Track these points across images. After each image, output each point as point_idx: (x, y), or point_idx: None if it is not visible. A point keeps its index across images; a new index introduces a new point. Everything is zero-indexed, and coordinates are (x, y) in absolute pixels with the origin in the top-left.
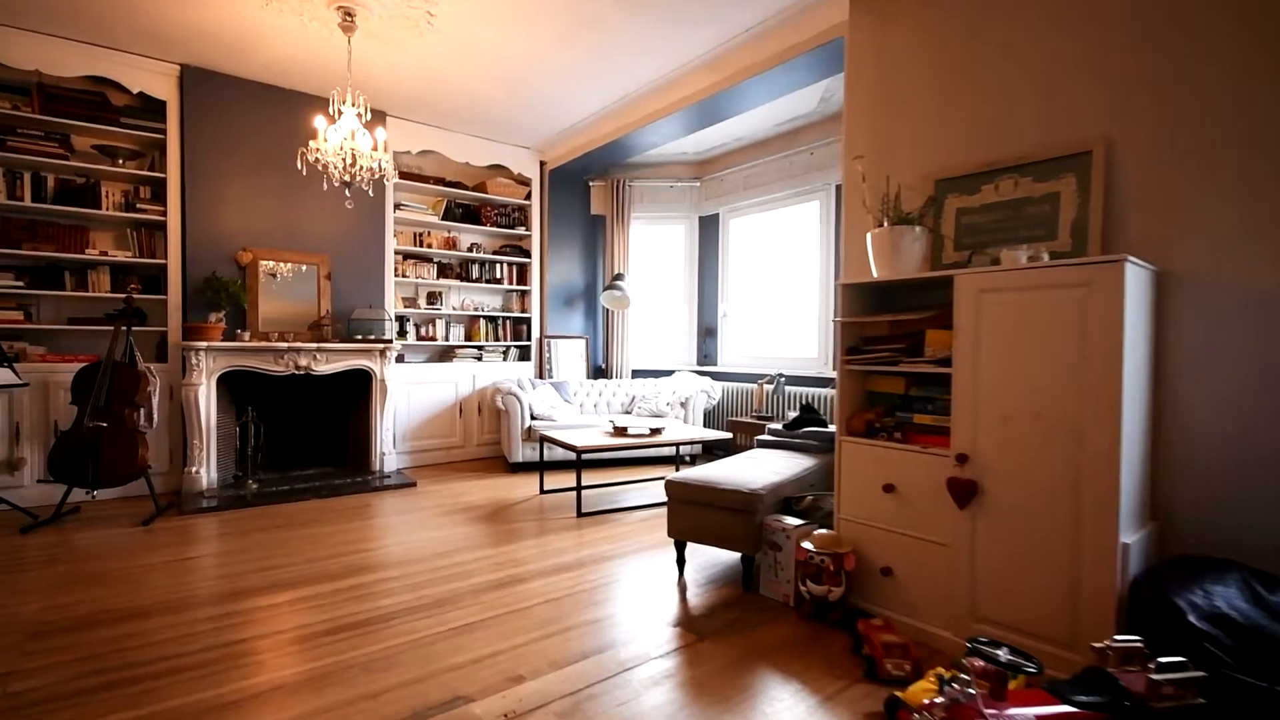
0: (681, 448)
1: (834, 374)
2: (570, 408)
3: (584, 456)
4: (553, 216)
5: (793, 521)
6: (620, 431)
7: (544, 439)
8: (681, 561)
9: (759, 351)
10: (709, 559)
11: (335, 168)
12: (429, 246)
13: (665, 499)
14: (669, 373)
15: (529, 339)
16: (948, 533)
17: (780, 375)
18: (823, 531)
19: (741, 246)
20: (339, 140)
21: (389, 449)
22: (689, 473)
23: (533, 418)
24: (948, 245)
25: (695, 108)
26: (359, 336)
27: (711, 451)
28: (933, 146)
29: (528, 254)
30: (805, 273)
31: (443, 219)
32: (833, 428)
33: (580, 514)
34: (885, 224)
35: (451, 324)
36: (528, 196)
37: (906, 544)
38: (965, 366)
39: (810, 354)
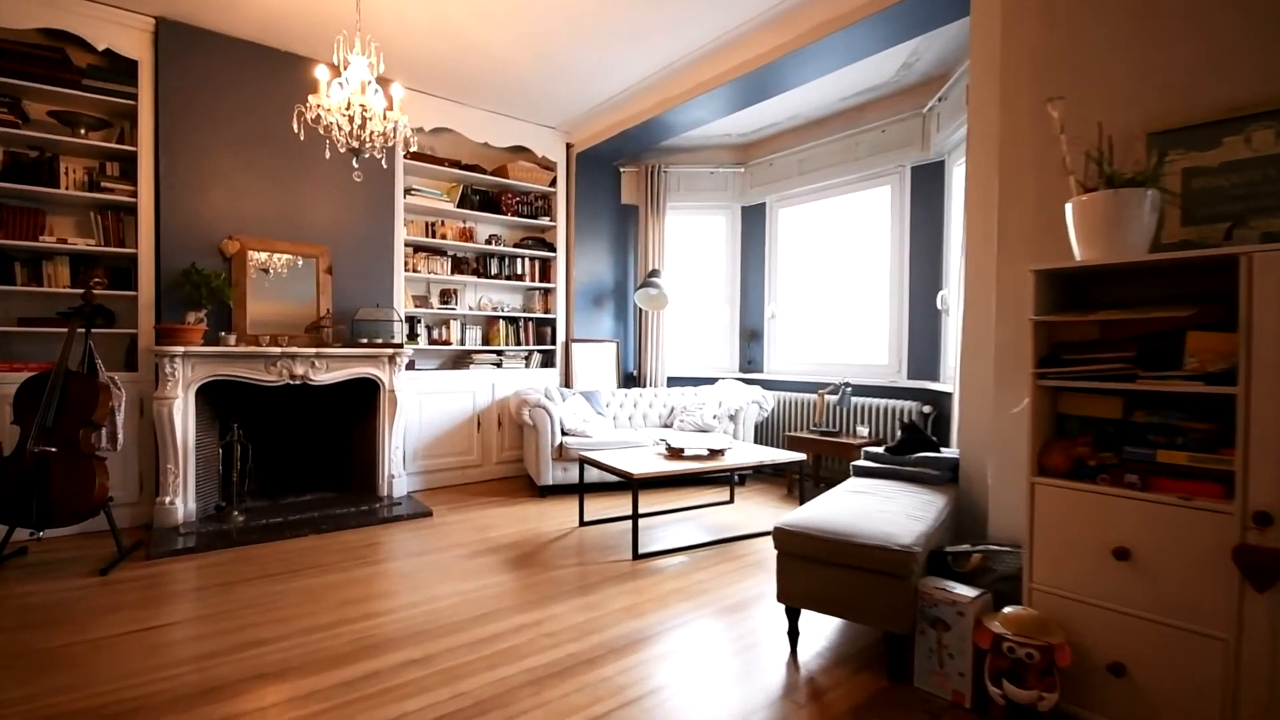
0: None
1: (910, 384)
2: (604, 421)
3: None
4: (580, 206)
5: (965, 591)
6: (676, 453)
7: (585, 461)
8: (795, 635)
9: (814, 357)
10: (829, 626)
11: (340, 129)
12: (442, 238)
13: (728, 534)
14: (708, 380)
15: (553, 343)
16: (1225, 622)
17: (846, 384)
18: (1016, 609)
19: (793, 239)
20: (345, 95)
21: (398, 470)
22: (802, 516)
23: (564, 433)
24: (1171, 218)
25: (749, 78)
26: (364, 340)
27: (781, 475)
28: (1141, 84)
29: (552, 247)
30: (872, 269)
31: (458, 206)
32: (951, 452)
33: (636, 555)
34: (1100, 188)
35: (468, 325)
36: (552, 183)
37: (1150, 632)
38: (1268, 385)
39: (879, 360)
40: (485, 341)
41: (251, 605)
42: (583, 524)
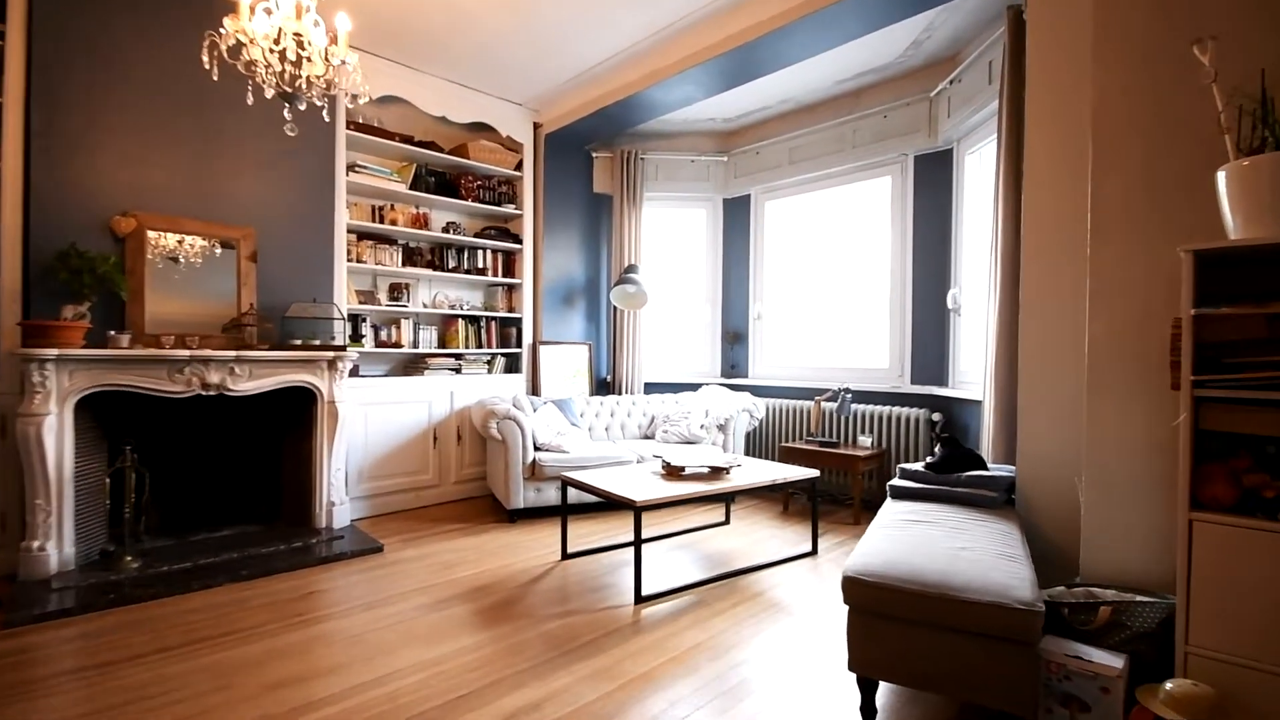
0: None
1: (915, 390)
2: (579, 433)
3: (612, 505)
4: (549, 193)
5: (1108, 659)
6: (675, 472)
7: (569, 483)
8: (872, 713)
9: (805, 361)
10: (907, 697)
11: (266, 69)
12: (392, 224)
13: (732, 563)
14: (690, 386)
15: (519, 345)
16: None
17: (846, 390)
18: (1184, 685)
19: (781, 234)
20: (275, 23)
21: (340, 496)
22: (876, 561)
23: (536, 448)
24: None
25: (740, 52)
26: (297, 342)
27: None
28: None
29: (518, 239)
30: (871, 266)
31: (411, 189)
32: (1003, 469)
33: (639, 598)
34: (1270, 149)
35: (421, 325)
36: (518, 166)
37: None
38: None
39: (879, 365)
40: (442, 344)
41: (138, 697)
42: (566, 556)
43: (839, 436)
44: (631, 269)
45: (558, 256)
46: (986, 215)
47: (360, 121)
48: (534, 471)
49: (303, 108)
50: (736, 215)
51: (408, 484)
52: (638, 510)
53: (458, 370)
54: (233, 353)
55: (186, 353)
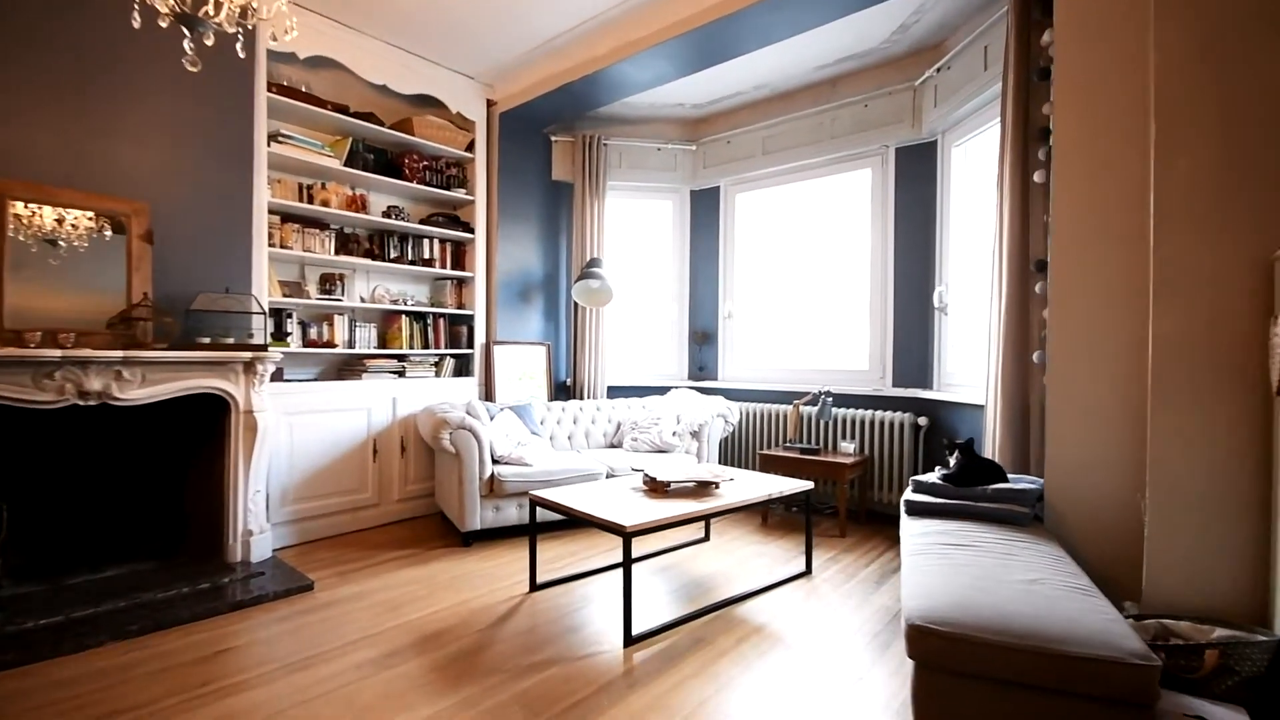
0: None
1: (897, 392)
2: (540, 443)
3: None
4: (504, 179)
5: (1230, 715)
6: (658, 488)
7: (539, 503)
8: None
9: (779, 363)
10: None
11: None
12: (324, 205)
13: (718, 588)
14: (656, 390)
15: (470, 346)
16: None
17: (826, 393)
18: None
19: (752, 229)
20: None
21: (259, 524)
22: (942, 604)
23: (494, 461)
24: None
25: (714, 29)
26: (206, 340)
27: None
28: None
29: (469, 228)
30: (850, 263)
31: (346, 165)
32: (1026, 480)
33: (630, 639)
34: None
35: (359, 323)
36: (469, 148)
37: None
38: None
39: (858, 366)
40: (382, 343)
41: None
42: (535, 587)
43: (819, 442)
44: (594, 263)
45: (513, 248)
46: (977, 210)
47: (286, 84)
48: (492, 488)
49: (209, 41)
50: (705, 208)
51: (343, 504)
52: (627, 537)
53: (401, 373)
54: (119, 353)
55: (58, 353)
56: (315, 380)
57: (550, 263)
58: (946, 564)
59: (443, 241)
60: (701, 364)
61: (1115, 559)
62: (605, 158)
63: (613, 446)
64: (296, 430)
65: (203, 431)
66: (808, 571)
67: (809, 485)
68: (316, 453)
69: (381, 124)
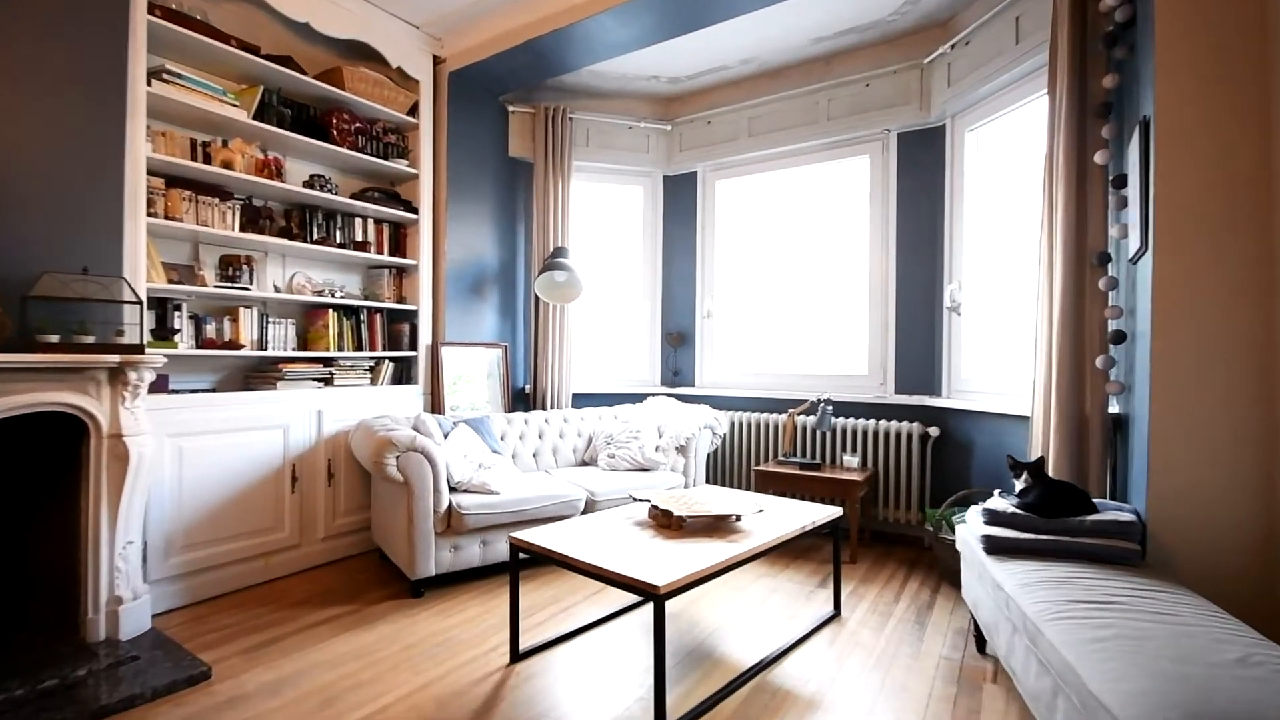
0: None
1: (900, 400)
2: (503, 462)
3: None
4: (455, 152)
5: None
6: (671, 523)
7: (521, 548)
8: None
9: (765, 367)
10: None
11: None
12: (226, 168)
13: (763, 657)
14: (627, 398)
15: (414, 348)
16: None
17: (825, 401)
18: None
19: (735, 219)
20: None
21: (134, 586)
22: (1154, 703)
23: (452, 488)
24: None
25: None
26: (53, 338)
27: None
28: None
29: (412, 208)
30: (846, 258)
31: (256, 119)
32: (1113, 508)
33: None
34: None
35: (273, 318)
36: (413, 111)
37: None
38: None
39: (857, 371)
40: (304, 344)
41: None
42: (518, 657)
43: (820, 456)
44: (560, 252)
45: (465, 233)
46: (999, 200)
47: (175, 8)
48: (450, 523)
49: None
50: (680, 195)
51: (252, 548)
52: (661, 601)
53: (327, 381)
54: None
55: None
56: (213, 391)
57: (507, 252)
58: (1111, 636)
59: (379, 222)
60: (676, 368)
61: (1243, 602)
62: (571, 134)
63: (584, 464)
64: (188, 457)
65: (52, 464)
66: (837, 613)
67: (838, 512)
68: (215, 485)
69: (303, 72)
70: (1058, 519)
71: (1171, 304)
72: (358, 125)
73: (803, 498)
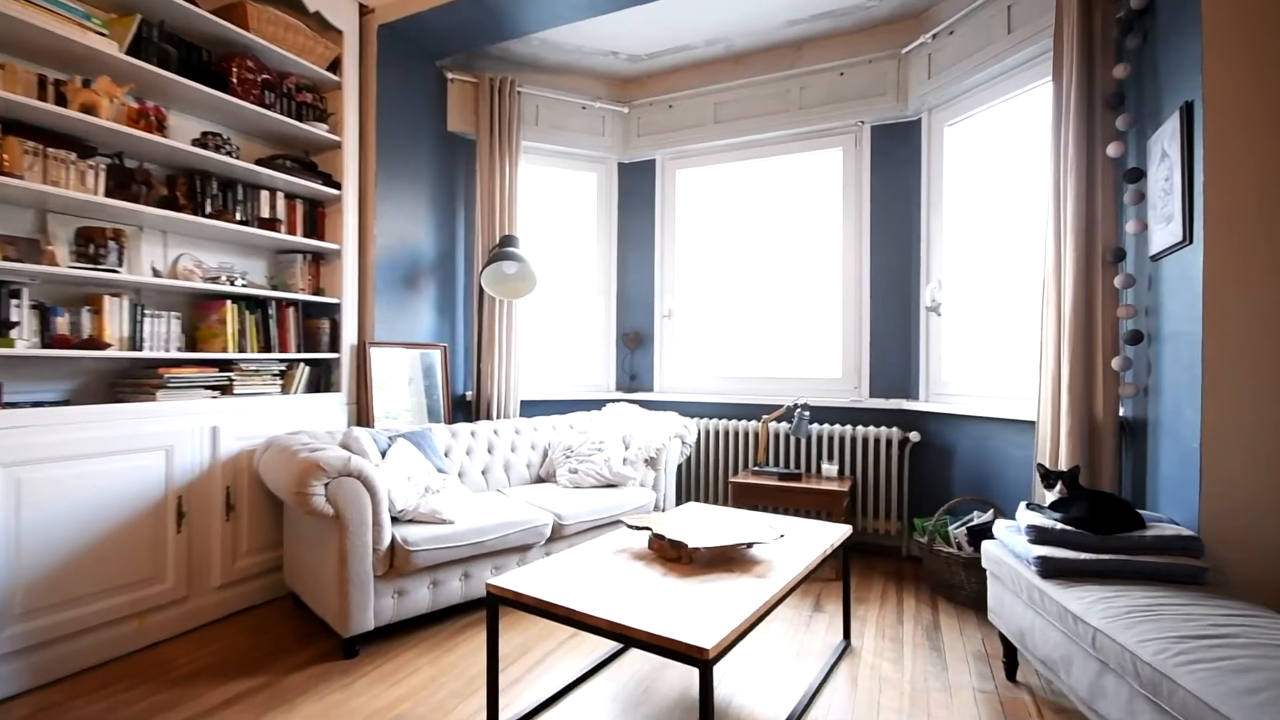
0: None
1: (876, 404)
2: (450, 482)
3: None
4: (385, 120)
5: None
6: (676, 555)
7: (504, 600)
8: None
9: (730, 370)
10: None
11: None
12: (87, 113)
13: (798, 711)
14: (583, 405)
15: (336, 348)
16: None
17: (802, 407)
18: None
19: (697, 212)
20: None
21: None
22: None
23: (394, 518)
24: None
25: None
26: None
27: None
28: None
29: (334, 182)
30: (818, 256)
31: (129, 54)
32: (1163, 522)
33: None
34: None
35: (150, 310)
36: (334, 67)
37: None
38: None
39: (830, 374)
40: (193, 344)
41: None
42: None
43: (796, 464)
44: (509, 241)
45: (398, 216)
46: (981, 198)
47: None
48: (394, 562)
49: None
50: (637, 185)
51: (122, 607)
52: (708, 667)
53: (225, 389)
54: None
55: None
56: (67, 404)
57: (445, 240)
58: (1262, 685)
59: (292, 197)
60: (634, 372)
61: None
62: (519, 109)
63: (540, 481)
64: (30, 493)
65: None
66: (847, 643)
67: (847, 530)
68: (69, 528)
69: (194, 3)
70: (1114, 535)
71: (1224, 301)
72: (265, 77)
73: (783, 511)
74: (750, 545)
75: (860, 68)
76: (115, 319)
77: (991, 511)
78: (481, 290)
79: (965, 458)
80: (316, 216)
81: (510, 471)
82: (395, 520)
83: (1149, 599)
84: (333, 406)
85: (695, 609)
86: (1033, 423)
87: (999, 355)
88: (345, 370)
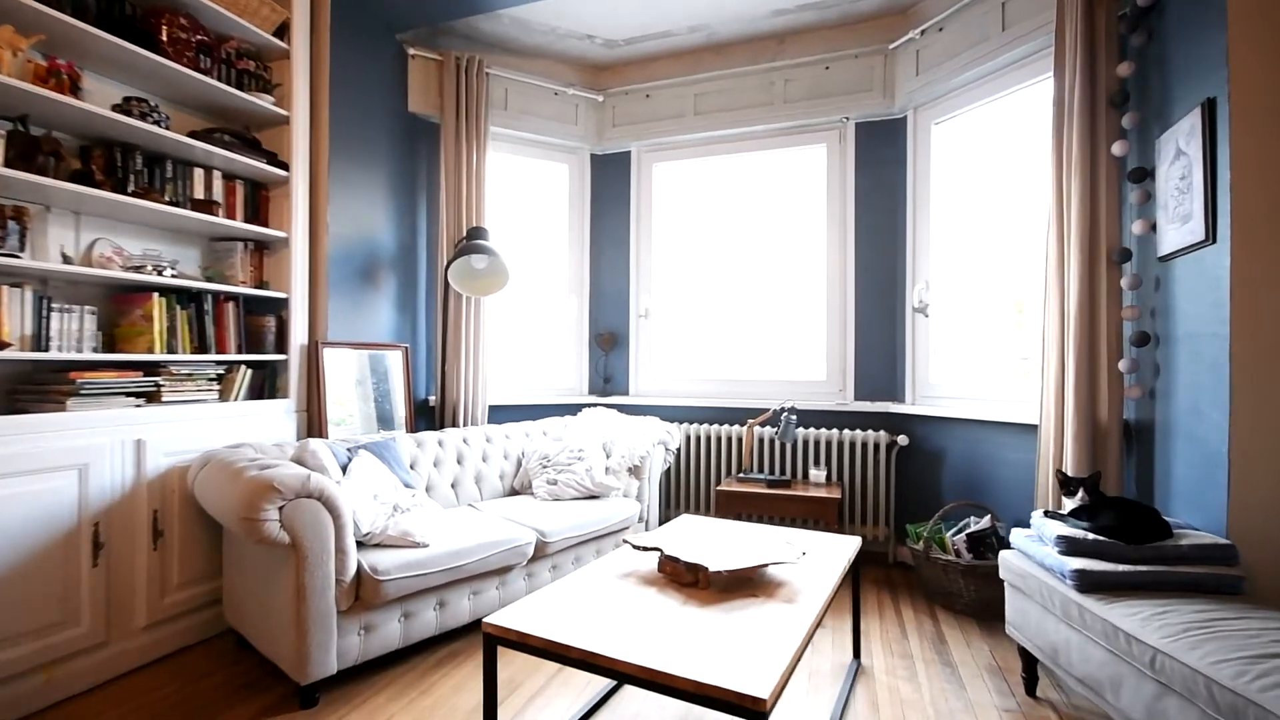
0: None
1: (861, 407)
2: (418, 498)
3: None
4: (339, 95)
5: None
6: (692, 578)
7: (506, 639)
8: None
9: (710, 372)
10: None
11: None
12: None
13: None
14: (556, 410)
15: (283, 348)
16: None
17: (789, 411)
18: None
19: (675, 208)
20: None
21: None
22: None
23: (359, 541)
24: None
25: None
26: None
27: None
28: None
29: (281, 162)
30: (802, 256)
31: (39, 1)
32: (1192, 531)
33: None
34: None
35: (58, 304)
36: (282, 33)
37: None
38: None
39: (814, 377)
40: (113, 343)
41: None
42: None
43: (783, 470)
44: (478, 233)
45: (354, 203)
46: (972, 198)
47: None
48: (360, 593)
49: None
50: (612, 178)
51: (25, 658)
52: (763, 719)
53: (152, 396)
54: None
55: None
56: None
57: (406, 230)
58: None
59: (231, 177)
60: (608, 375)
61: None
62: (487, 91)
63: (515, 493)
64: None
65: None
66: (858, 661)
67: (857, 542)
68: None
69: None
70: (1147, 545)
71: (1253, 301)
72: (201, 38)
73: (772, 520)
74: (759, 567)
75: (846, 62)
76: (15, 313)
77: (988, 517)
78: (447, 286)
79: (955, 461)
80: (260, 200)
81: (482, 484)
82: (361, 545)
83: (1199, 614)
84: (279, 415)
85: (730, 646)
86: (1027, 425)
87: (990, 357)
88: (294, 373)
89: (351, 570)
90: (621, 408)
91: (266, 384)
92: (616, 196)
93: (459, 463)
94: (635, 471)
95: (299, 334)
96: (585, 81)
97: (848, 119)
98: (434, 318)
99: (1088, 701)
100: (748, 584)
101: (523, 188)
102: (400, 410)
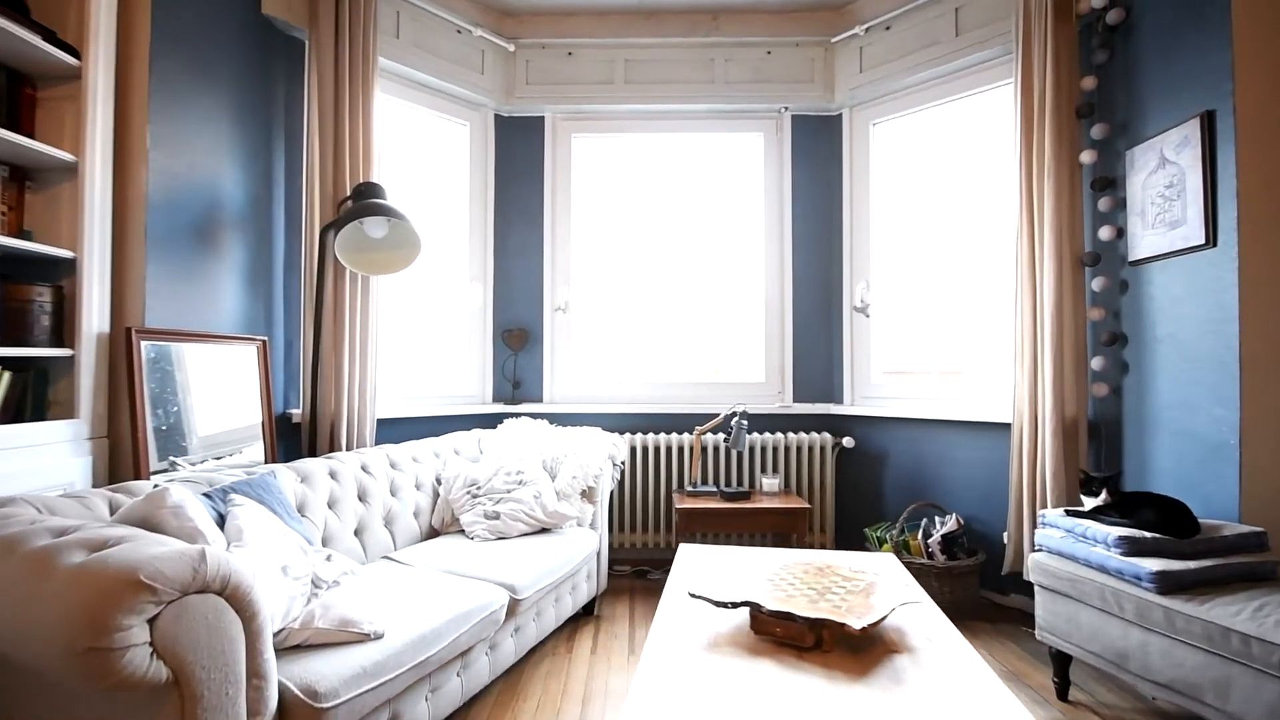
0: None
1: (802, 409)
2: (337, 557)
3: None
4: None
5: None
6: (815, 639)
7: None
8: None
9: (640, 375)
10: None
11: None
12: None
13: None
14: (457, 422)
15: (67, 340)
16: None
17: (740, 415)
18: None
19: (598, 189)
20: None
21: None
22: None
23: (275, 650)
24: None
25: None
26: None
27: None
28: None
29: (66, 44)
30: (739, 248)
31: None
32: (1234, 523)
33: None
34: None
35: None
36: None
37: None
38: None
39: (753, 379)
40: None
41: None
42: None
43: (735, 481)
44: (369, 191)
45: (184, 126)
46: (912, 199)
47: None
48: None
49: None
50: (521, 145)
51: None
52: None
53: None
54: None
55: None
56: None
57: (258, 178)
58: None
59: None
60: (518, 379)
61: None
62: (375, 8)
63: (435, 534)
64: None
65: None
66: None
67: (891, 558)
68: None
69: None
70: (1196, 539)
71: (1259, 301)
72: None
73: (730, 539)
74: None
75: (788, 50)
76: None
77: (953, 517)
78: (321, 260)
79: (902, 462)
80: (21, 99)
81: (394, 526)
82: (278, 652)
83: (1257, 605)
84: (60, 446)
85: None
86: (975, 423)
87: (936, 357)
88: (86, 378)
89: (272, 702)
90: (536, 417)
91: (33, 397)
92: (527, 169)
93: (361, 500)
94: (588, 494)
95: (96, 317)
96: (493, 25)
97: (786, 109)
98: (300, 302)
99: (1129, 702)
100: (873, 638)
101: (415, 148)
102: (260, 431)
